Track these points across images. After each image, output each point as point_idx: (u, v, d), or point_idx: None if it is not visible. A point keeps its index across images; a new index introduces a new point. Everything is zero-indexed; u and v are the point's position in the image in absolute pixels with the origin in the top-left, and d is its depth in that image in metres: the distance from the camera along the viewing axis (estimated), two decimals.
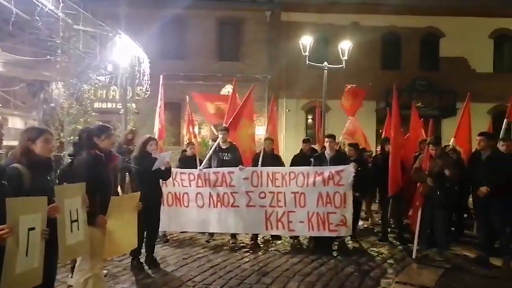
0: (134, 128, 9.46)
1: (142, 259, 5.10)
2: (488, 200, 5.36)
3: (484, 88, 15.46)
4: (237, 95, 7.81)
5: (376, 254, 6.08)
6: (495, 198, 5.30)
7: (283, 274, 4.96)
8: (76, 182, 3.11)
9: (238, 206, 6.21)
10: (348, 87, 9.79)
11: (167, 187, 6.18)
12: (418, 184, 6.00)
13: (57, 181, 3.16)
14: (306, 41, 12.92)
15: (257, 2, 17.92)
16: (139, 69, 9.50)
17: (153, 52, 11.89)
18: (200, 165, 6.49)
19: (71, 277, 4.11)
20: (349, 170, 5.88)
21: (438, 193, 5.62)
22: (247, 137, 7.40)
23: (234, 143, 6.72)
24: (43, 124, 8.56)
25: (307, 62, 12.86)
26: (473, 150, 7.33)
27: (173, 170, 5.94)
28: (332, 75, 13.02)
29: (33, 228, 2.45)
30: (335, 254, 5.97)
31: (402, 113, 6.77)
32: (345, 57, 13.11)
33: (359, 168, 6.03)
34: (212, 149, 6.65)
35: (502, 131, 6.52)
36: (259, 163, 6.37)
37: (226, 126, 6.89)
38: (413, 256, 5.76)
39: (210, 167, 6.51)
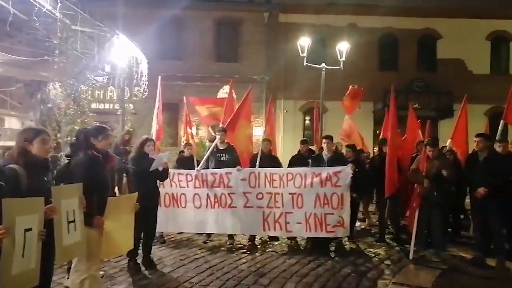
0: (131, 129, 9.46)
1: (139, 260, 5.09)
2: (485, 201, 5.39)
3: (481, 89, 15.53)
4: (234, 96, 7.82)
5: (373, 255, 6.09)
6: (493, 199, 5.33)
7: (280, 275, 4.96)
8: (73, 182, 3.10)
9: (235, 207, 6.21)
10: (351, 87, 9.97)
11: (165, 188, 6.18)
12: (415, 185, 6.02)
13: (54, 182, 3.15)
14: (304, 42, 12.94)
15: (255, 3, 17.94)
16: (137, 69, 9.48)
17: (151, 52, 11.86)
18: (198, 165, 6.49)
19: (67, 278, 4.10)
20: (347, 171, 5.89)
21: (435, 193, 5.64)
22: (244, 138, 7.41)
23: (231, 144, 6.72)
24: (40, 124, 8.54)
25: (305, 63, 12.88)
26: (470, 151, 7.38)
27: (171, 170, 5.94)
28: (329, 76, 13.05)
29: (29, 229, 2.44)
30: (332, 255, 5.97)
31: (399, 114, 6.80)
32: (343, 58, 13.14)
33: (357, 169, 6.03)
34: (210, 150, 6.64)
35: (498, 132, 6.55)
36: (257, 164, 6.37)
37: (224, 127, 6.89)
38: (410, 257, 5.78)
39: (208, 168, 6.51)
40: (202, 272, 5.00)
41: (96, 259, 3.43)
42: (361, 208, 8.10)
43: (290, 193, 6.07)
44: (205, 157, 6.65)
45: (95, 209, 3.25)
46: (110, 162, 3.61)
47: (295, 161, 6.96)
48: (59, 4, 6.52)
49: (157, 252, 5.79)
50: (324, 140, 6.42)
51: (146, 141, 5.12)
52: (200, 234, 6.77)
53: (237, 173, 6.22)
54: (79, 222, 2.99)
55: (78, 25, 7.33)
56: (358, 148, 8.00)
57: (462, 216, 7.87)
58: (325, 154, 6.29)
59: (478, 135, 5.74)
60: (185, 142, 7.71)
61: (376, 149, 8.86)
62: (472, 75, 17.54)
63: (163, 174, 5.26)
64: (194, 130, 9.88)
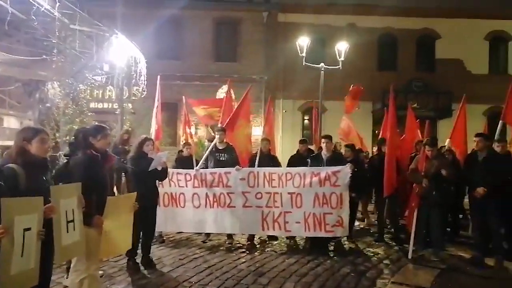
0: (129, 128, 9.44)
1: (138, 260, 5.09)
2: (484, 201, 5.39)
3: (479, 89, 15.58)
4: (232, 95, 7.82)
5: (372, 254, 6.09)
6: (492, 199, 5.33)
7: (279, 275, 4.96)
8: (72, 182, 3.10)
9: (234, 207, 6.21)
10: (352, 86, 10.05)
11: (164, 188, 6.17)
12: (414, 185, 6.02)
13: (52, 181, 3.15)
14: (303, 42, 12.95)
15: (254, 3, 17.94)
16: (135, 69, 9.46)
17: (150, 52, 11.84)
18: (197, 165, 6.49)
19: (66, 278, 4.09)
20: (346, 171, 5.89)
21: (434, 193, 5.65)
22: (243, 138, 7.41)
23: (230, 144, 6.72)
24: (39, 124, 8.52)
25: (304, 63, 12.90)
26: (469, 151, 7.39)
27: (170, 170, 5.94)
28: (328, 76, 13.07)
29: (28, 229, 2.44)
30: (331, 254, 5.98)
31: (398, 114, 6.81)
32: (342, 58, 13.16)
33: (356, 169, 6.04)
34: (209, 149, 6.64)
35: (497, 132, 6.56)
36: (256, 163, 6.37)
37: (223, 126, 6.89)
38: (409, 257, 5.79)
39: (207, 168, 6.51)
40: (201, 272, 4.99)
41: (95, 259, 3.42)
42: (360, 208, 8.11)
43: (289, 193, 6.07)
44: (204, 157, 6.64)
45: (94, 208, 3.24)
46: (109, 161, 3.61)
47: (294, 161, 6.96)
48: (58, 4, 6.51)
49: (156, 251, 5.79)
50: (323, 140, 6.42)
51: (145, 141, 5.11)
52: (199, 233, 6.76)
53: (236, 172, 6.22)
54: (78, 222, 2.98)
55: (76, 24, 7.32)
56: (357, 147, 8.01)
57: (461, 216, 7.89)
58: (324, 153, 6.30)
59: (477, 135, 5.75)
60: (184, 141, 7.70)
61: (375, 149, 8.88)
62: (471, 75, 17.58)
63: (162, 174, 5.25)
64: (193, 130, 9.88)
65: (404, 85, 16.62)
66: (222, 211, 6.24)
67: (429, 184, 5.65)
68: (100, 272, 4.30)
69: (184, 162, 6.75)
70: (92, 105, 14.32)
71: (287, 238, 6.70)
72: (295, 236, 6.62)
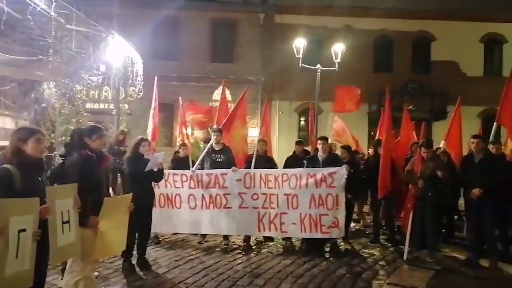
0: (125, 129, 9.42)
1: (134, 261, 5.07)
2: (480, 202, 5.42)
3: (474, 91, 15.68)
4: (227, 96, 7.84)
5: (367, 255, 6.11)
6: (488, 200, 5.36)
7: (275, 276, 4.97)
8: (67, 183, 3.09)
9: (230, 208, 6.20)
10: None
11: (159, 188, 6.15)
12: (409, 186, 6.05)
13: (48, 182, 3.13)
14: (300, 43, 12.96)
15: (250, 4, 17.95)
16: (132, 69, 9.45)
17: (146, 53, 11.84)
18: (193, 166, 6.48)
19: (61, 279, 4.07)
20: (342, 172, 5.90)
21: (430, 194, 5.67)
22: (240, 139, 7.42)
23: (227, 145, 6.72)
24: (34, 124, 8.48)
25: (300, 64, 12.91)
26: (464, 152, 7.44)
27: (166, 171, 5.93)
28: (325, 77, 13.08)
29: (24, 230, 2.42)
30: (327, 255, 5.98)
31: (394, 115, 6.84)
32: (338, 60, 13.18)
33: (352, 170, 6.06)
34: (205, 150, 6.64)
35: (492, 134, 6.60)
36: (252, 164, 6.37)
37: (219, 127, 6.89)
38: (404, 258, 5.80)
39: (203, 169, 6.50)
40: (197, 273, 4.98)
41: (90, 260, 3.41)
42: (356, 209, 8.13)
43: (285, 194, 6.07)
44: (200, 158, 6.64)
45: (90, 209, 3.23)
46: (104, 162, 3.60)
47: (290, 162, 6.97)
48: (54, 3, 6.48)
49: (152, 252, 5.77)
50: (319, 141, 6.44)
51: (141, 142, 5.10)
52: (195, 234, 6.74)
53: (233, 173, 6.22)
54: (74, 223, 2.97)
55: (73, 24, 7.29)
56: (352, 149, 8.03)
57: (456, 217, 7.93)
58: (320, 155, 6.31)
59: (475, 136, 5.79)
60: (180, 142, 7.69)
61: (371, 150, 8.92)
62: (466, 77, 17.69)
63: (158, 175, 5.24)
64: (189, 131, 9.86)
65: (400, 86, 16.70)
66: (218, 212, 6.23)
67: (425, 186, 5.68)
68: (95, 273, 4.29)
69: (180, 163, 6.74)
70: (88, 105, 14.28)
71: (283, 239, 6.70)
72: (291, 237, 6.62)
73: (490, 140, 6.17)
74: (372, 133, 15.16)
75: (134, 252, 5.08)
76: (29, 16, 6.14)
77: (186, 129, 8.11)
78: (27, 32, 7.31)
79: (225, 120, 7.20)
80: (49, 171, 3.52)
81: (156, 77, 7.57)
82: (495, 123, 6.76)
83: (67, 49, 7.82)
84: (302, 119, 17.99)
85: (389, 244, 6.71)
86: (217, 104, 8.26)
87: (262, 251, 6.21)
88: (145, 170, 4.89)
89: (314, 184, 5.97)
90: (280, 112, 17.50)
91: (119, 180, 6.56)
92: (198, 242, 6.52)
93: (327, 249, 6.24)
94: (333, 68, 13.00)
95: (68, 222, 2.89)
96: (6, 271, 2.33)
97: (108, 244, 3.45)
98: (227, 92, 8.31)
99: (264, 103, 9.12)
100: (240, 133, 7.41)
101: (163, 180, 5.77)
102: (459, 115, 7.88)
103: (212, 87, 15.74)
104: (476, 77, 17.64)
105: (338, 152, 7.48)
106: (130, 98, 13.01)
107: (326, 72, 13.02)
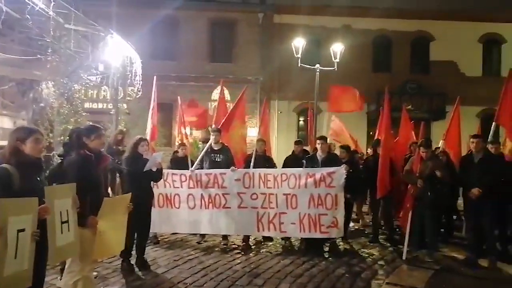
0: (124, 129, 9.41)
1: (133, 261, 5.06)
2: (479, 202, 5.43)
3: (473, 91, 15.73)
4: (225, 96, 7.84)
5: (367, 255, 6.11)
6: (487, 200, 5.37)
7: (274, 276, 4.96)
8: (65, 182, 3.08)
9: (229, 208, 6.20)
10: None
11: (158, 188, 6.15)
12: (408, 186, 6.06)
13: (46, 182, 3.12)
14: (299, 43, 12.98)
15: (249, 4, 17.94)
16: (130, 69, 9.43)
17: (145, 52, 11.82)
18: (192, 166, 6.47)
19: (60, 279, 4.06)
20: (341, 172, 5.90)
21: (429, 194, 5.68)
22: (239, 139, 7.41)
23: (226, 145, 6.71)
24: (33, 124, 8.45)
25: (299, 64, 12.92)
26: (463, 152, 7.44)
27: (165, 171, 5.92)
28: (324, 77, 13.09)
29: (22, 230, 2.41)
30: (326, 255, 5.98)
31: (393, 115, 6.84)
32: (337, 60, 13.20)
33: (351, 170, 6.06)
34: (204, 150, 6.63)
35: (490, 134, 6.61)
36: (251, 164, 6.37)
37: (218, 127, 6.88)
38: (403, 258, 5.81)
39: (202, 168, 6.50)
40: (196, 273, 4.98)
41: (90, 260, 3.40)
42: (355, 209, 8.13)
43: (284, 194, 6.07)
44: (199, 158, 6.63)
45: (88, 209, 3.22)
46: (103, 162, 3.58)
47: (289, 162, 6.97)
48: (53, 3, 6.48)
49: (151, 252, 5.76)
50: (318, 141, 6.44)
51: (140, 141, 5.08)
52: (194, 234, 6.74)
53: (232, 173, 6.21)
54: (73, 223, 2.96)
55: (71, 24, 7.29)
56: (351, 148, 8.04)
57: (455, 217, 7.94)
58: (319, 154, 6.31)
59: (475, 136, 5.79)
60: (179, 142, 7.68)
61: (370, 150, 8.94)
62: (465, 77, 17.73)
63: (157, 175, 5.23)
64: (188, 130, 9.86)
65: (399, 86, 16.72)
66: (217, 212, 6.23)
67: (424, 185, 5.69)
68: (94, 273, 4.28)
69: (179, 162, 6.73)
70: (86, 105, 14.26)
71: (282, 239, 6.70)
72: (290, 237, 6.62)
73: (489, 140, 6.19)
74: (371, 133, 15.20)
75: (133, 252, 5.07)
76: (28, 16, 6.13)
77: (185, 128, 8.10)
78: (25, 31, 7.30)
79: (224, 120, 7.19)
80: (47, 171, 3.52)
81: (155, 77, 7.56)
82: (493, 123, 6.78)
83: (66, 49, 7.80)
84: (301, 119, 18.00)
85: (388, 244, 6.71)
86: (216, 104, 8.27)
87: (261, 251, 6.21)
88: (144, 170, 4.88)
89: (313, 184, 5.97)
90: (279, 112, 17.50)
91: (118, 180, 6.56)
92: (197, 242, 6.52)
93: (326, 249, 6.25)
94: (332, 68, 13.01)
95: (67, 222, 2.88)
96: (5, 271, 2.32)
97: (107, 244, 3.44)
98: (226, 92, 8.32)
99: (263, 103, 9.14)
100: (239, 133, 7.40)
101: (162, 180, 5.76)
102: (458, 115, 7.88)
103: (211, 87, 15.74)
104: (474, 77, 17.68)
105: (337, 151, 7.49)
106: (128, 98, 12.99)
107: (325, 72, 13.04)
